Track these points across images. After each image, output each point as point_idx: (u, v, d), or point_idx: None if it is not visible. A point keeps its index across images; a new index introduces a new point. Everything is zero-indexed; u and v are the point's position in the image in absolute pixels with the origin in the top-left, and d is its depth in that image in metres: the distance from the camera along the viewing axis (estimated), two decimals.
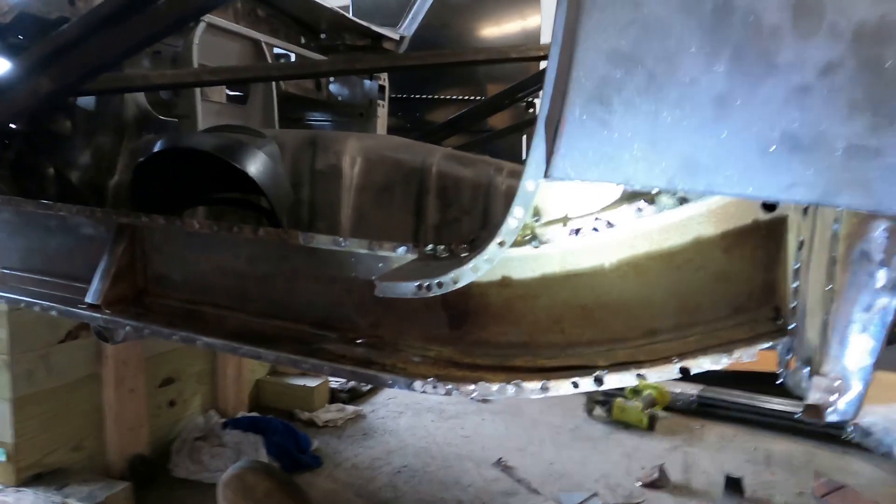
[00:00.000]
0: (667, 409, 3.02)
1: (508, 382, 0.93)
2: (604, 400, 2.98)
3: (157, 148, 1.49)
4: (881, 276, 0.57)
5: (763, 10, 0.54)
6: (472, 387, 0.95)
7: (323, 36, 3.19)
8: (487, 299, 1.03)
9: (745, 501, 2.22)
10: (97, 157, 2.22)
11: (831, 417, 0.64)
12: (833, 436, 2.72)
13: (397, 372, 1.02)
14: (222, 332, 1.21)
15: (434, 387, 0.97)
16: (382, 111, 3.40)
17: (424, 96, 4.13)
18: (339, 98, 3.27)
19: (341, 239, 1.05)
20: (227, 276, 1.26)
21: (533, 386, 0.92)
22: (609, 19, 0.59)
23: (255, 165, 1.52)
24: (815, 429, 2.76)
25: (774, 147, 0.56)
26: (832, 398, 0.63)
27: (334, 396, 3.17)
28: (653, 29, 0.58)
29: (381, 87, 3.33)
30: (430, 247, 0.99)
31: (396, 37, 3.30)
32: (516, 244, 0.90)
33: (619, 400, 2.94)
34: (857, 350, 0.60)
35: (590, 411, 3.01)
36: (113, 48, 1.13)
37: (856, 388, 0.62)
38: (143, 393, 2.43)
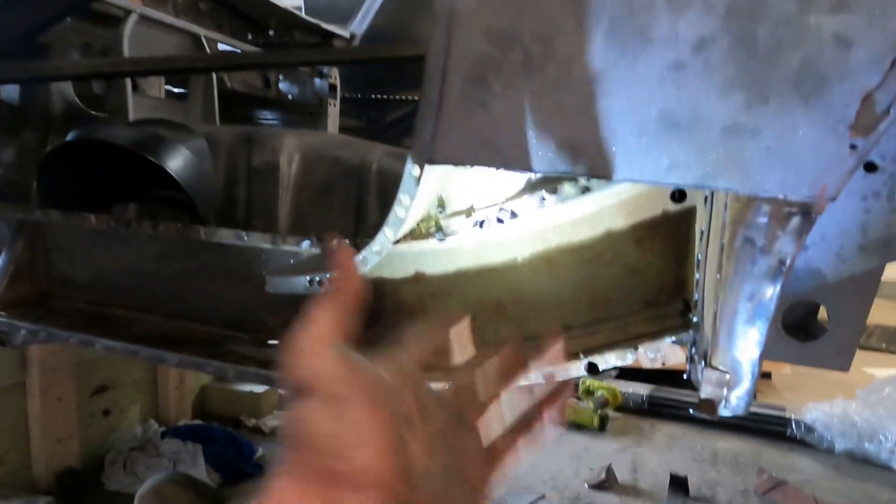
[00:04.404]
0: (619, 409, 3.03)
1: None
2: None
3: (67, 140, 1.40)
4: (763, 264, 0.54)
5: None
6: None
7: (271, 33, 3.12)
8: (401, 297, 0.99)
9: (689, 500, 2.22)
10: (21, 154, 2.10)
11: (724, 412, 0.61)
12: (778, 433, 2.76)
13: None
14: (129, 335, 1.14)
15: None
16: (334, 110, 3.34)
17: (381, 96, 4.08)
18: (289, 96, 3.20)
19: (244, 233, 1.00)
20: (134, 275, 1.19)
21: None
22: None
23: (175, 160, 1.45)
24: (761, 426, 2.80)
25: (652, 127, 0.53)
26: (723, 392, 0.61)
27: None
28: (528, 5, 0.54)
29: (332, 86, 3.27)
30: (335, 241, 0.94)
31: (347, 34, 3.25)
32: (421, 236, 0.86)
33: (571, 401, 2.93)
34: (744, 342, 0.58)
35: None
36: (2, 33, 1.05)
37: (745, 381, 0.60)
38: (74, 402, 2.30)
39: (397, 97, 4.10)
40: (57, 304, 1.26)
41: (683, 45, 0.51)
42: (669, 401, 2.97)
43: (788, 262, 0.53)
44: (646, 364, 3.33)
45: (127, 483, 2.29)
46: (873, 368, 3.69)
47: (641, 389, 3.06)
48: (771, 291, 0.55)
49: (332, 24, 3.19)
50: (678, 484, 2.25)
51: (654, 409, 3.00)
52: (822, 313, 1.10)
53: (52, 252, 1.25)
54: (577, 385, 3.07)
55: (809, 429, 2.68)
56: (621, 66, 0.53)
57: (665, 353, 3.20)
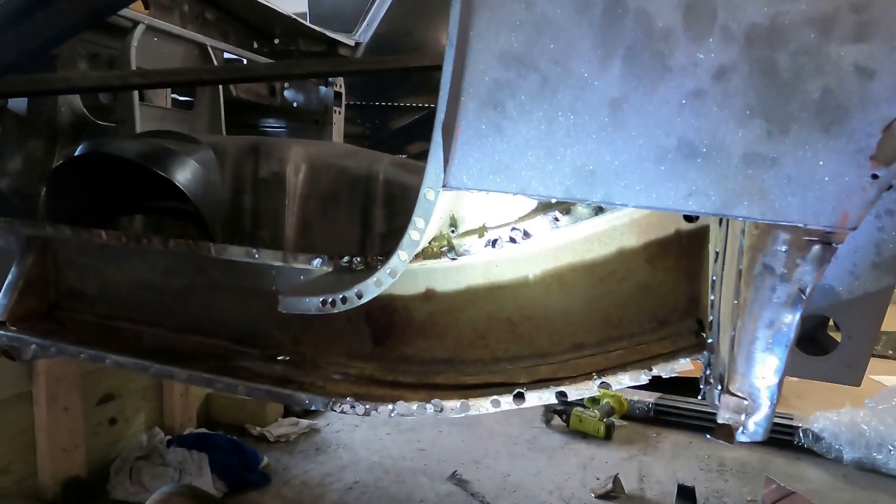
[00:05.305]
0: (625, 417, 3.02)
1: (428, 401, 0.89)
2: (562, 409, 2.95)
3: (76, 153, 1.40)
4: (783, 291, 0.54)
5: (655, 11, 0.51)
6: (391, 406, 0.90)
7: (277, 41, 3.13)
8: (411, 313, 0.98)
9: None
10: (28, 163, 2.10)
11: (741, 438, 0.61)
12: (786, 442, 2.75)
13: (315, 391, 0.97)
14: (137, 349, 1.14)
15: (352, 406, 0.92)
16: (339, 118, 3.35)
17: (385, 103, 4.08)
18: (295, 104, 3.21)
19: (254, 250, 0.99)
20: (143, 289, 1.19)
21: (452, 405, 0.87)
22: (500, 19, 0.55)
23: (183, 173, 1.45)
24: (768, 435, 2.78)
25: (671, 155, 0.53)
26: (741, 418, 0.60)
27: (288, 410, 3.08)
28: (544, 29, 0.54)
29: (338, 94, 3.28)
30: (345, 259, 0.94)
31: (352, 43, 3.26)
32: (433, 256, 0.86)
33: (577, 409, 2.92)
34: (762, 368, 0.57)
35: (548, 421, 2.98)
36: (15, 47, 1.05)
37: (764, 407, 0.59)
38: (80, 411, 2.30)
39: (402, 104, 4.11)
40: (66, 317, 1.26)
41: (703, 74, 0.51)
42: (676, 409, 2.96)
43: (809, 290, 0.52)
44: None
45: (133, 492, 2.28)
46: (881, 376, 3.67)
47: (647, 397, 3.04)
48: (790, 319, 0.54)
49: (336, 32, 3.20)
50: (686, 494, 2.24)
51: (661, 418, 2.98)
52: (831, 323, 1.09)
53: (61, 266, 1.25)
54: None
55: (817, 438, 2.66)
56: (639, 93, 0.53)
57: None
